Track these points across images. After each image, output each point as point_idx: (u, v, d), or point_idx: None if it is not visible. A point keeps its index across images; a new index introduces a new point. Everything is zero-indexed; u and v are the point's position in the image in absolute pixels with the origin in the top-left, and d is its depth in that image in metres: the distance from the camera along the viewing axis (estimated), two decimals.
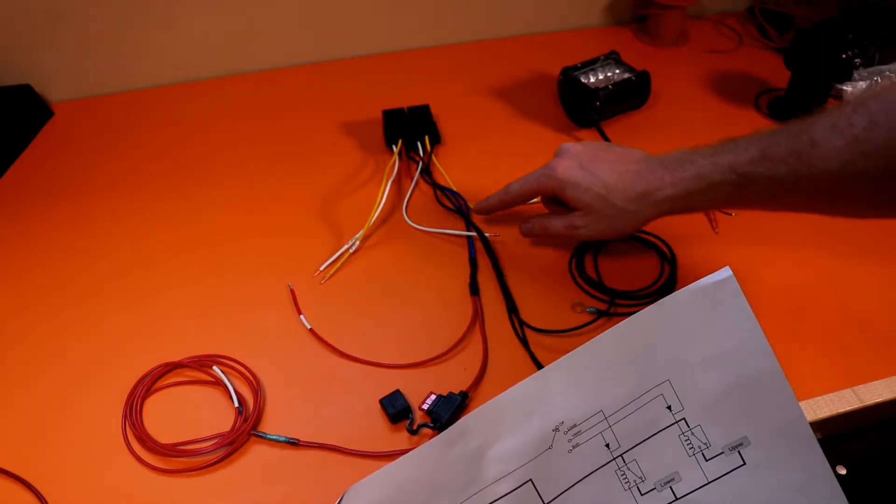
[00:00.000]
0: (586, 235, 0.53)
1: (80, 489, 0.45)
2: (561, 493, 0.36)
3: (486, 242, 0.60)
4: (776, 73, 0.83)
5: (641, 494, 0.37)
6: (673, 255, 0.59)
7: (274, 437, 0.47)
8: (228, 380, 0.50)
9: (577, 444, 0.36)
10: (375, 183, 0.68)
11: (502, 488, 0.36)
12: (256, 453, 0.47)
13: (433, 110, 0.75)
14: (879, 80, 0.77)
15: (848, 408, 0.48)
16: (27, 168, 0.73)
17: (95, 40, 0.80)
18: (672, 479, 0.37)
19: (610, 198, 0.49)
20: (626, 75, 0.76)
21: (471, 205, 0.65)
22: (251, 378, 0.50)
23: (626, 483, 0.37)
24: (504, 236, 0.62)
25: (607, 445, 0.36)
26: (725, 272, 0.36)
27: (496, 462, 0.36)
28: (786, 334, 0.53)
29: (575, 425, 0.36)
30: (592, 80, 0.76)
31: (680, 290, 0.36)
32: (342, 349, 0.52)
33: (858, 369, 0.51)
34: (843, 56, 0.69)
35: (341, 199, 0.67)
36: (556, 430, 0.36)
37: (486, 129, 0.76)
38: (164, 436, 0.47)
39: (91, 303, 0.57)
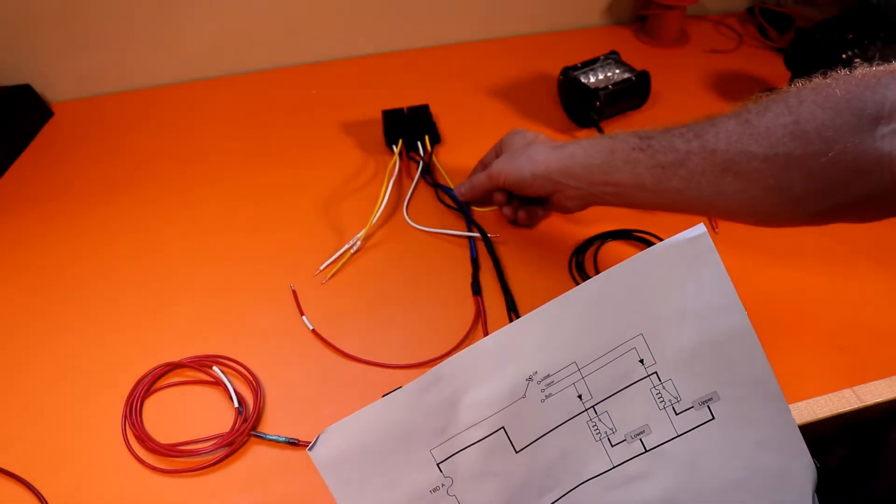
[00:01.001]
0: (497, 171, 0.57)
1: (80, 489, 0.45)
2: (533, 442, 0.37)
3: (487, 242, 0.60)
4: (776, 73, 0.83)
5: (612, 445, 0.37)
6: None
7: (274, 438, 0.47)
8: (228, 380, 0.50)
9: (550, 395, 0.37)
10: (376, 183, 0.68)
11: (475, 435, 0.36)
12: (256, 453, 0.47)
13: (433, 110, 0.75)
14: None
15: (848, 408, 0.48)
16: (27, 168, 0.73)
17: (95, 40, 0.80)
18: (642, 432, 0.38)
19: (530, 148, 0.55)
20: (626, 75, 0.76)
21: (471, 204, 0.65)
22: (251, 378, 0.50)
23: (597, 434, 0.37)
24: (505, 236, 0.62)
25: (580, 396, 0.37)
26: (699, 229, 0.36)
27: (469, 409, 0.36)
28: (786, 334, 0.53)
29: (548, 375, 0.37)
30: (592, 80, 0.76)
31: (654, 246, 0.37)
32: (342, 349, 0.52)
33: (858, 369, 0.51)
34: (843, 56, 0.69)
35: (342, 199, 0.67)
36: (530, 379, 0.37)
37: (486, 129, 0.76)
38: (164, 436, 0.47)
39: (91, 303, 0.57)
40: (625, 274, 0.37)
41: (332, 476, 0.35)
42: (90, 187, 0.69)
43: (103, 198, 0.68)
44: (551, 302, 0.37)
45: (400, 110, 0.74)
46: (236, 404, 0.48)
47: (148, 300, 0.57)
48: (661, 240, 0.60)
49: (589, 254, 0.60)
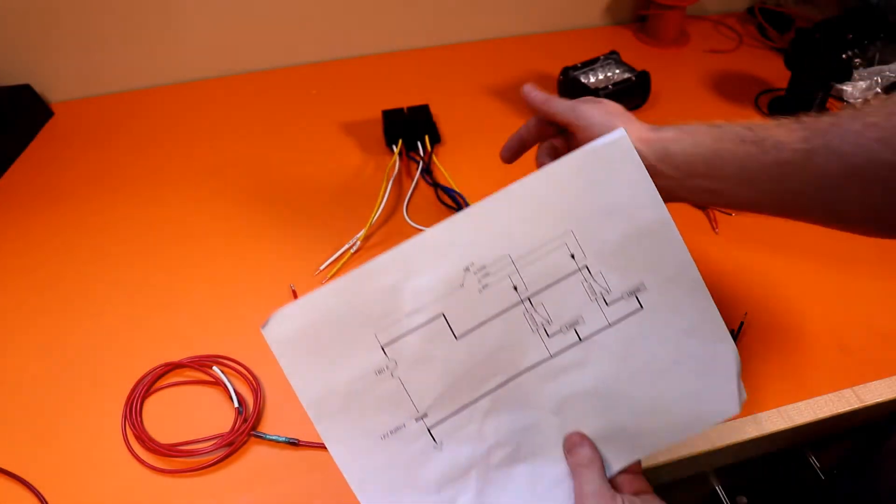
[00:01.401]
0: (572, 112, 0.46)
1: (80, 489, 0.45)
2: (472, 330, 0.38)
3: None
4: (776, 73, 0.83)
5: (548, 336, 0.39)
6: None
7: (274, 438, 0.47)
8: (228, 380, 0.50)
9: (487, 285, 0.39)
10: (376, 183, 0.68)
11: (417, 320, 0.38)
12: (256, 453, 0.47)
13: (433, 110, 0.75)
14: (879, 80, 0.77)
15: (848, 408, 0.48)
16: (27, 168, 0.73)
17: (95, 40, 0.80)
18: (576, 322, 0.40)
19: (613, 118, 0.44)
20: (626, 75, 0.76)
21: (472, 203, 0.65)
22: (251, 378, 0.50)
23: (533, 325, 0.39)
24: None
25: (515, 288, 0.39)
26: (619, 132, 0.40)
27: (411, 296, 0.38)
28: (787, 334, 0.53)
29: (484, 266, 0.39)
30: (592, 80, 0.76)
31: (579, 149, 0.39)
32: None
33: (858, 369, 0.51)
34: (843, 56, 0.69)
35: (342, 198, 0.67)
36: (467, 270, 0.39)
37: (486, 129, 0.76)
38: (164, 436, 0.47)
39: (91, 302, 0.57)
40: (554, 175, 0.39)
41: (284, 354, 0.37)
42: (90, 187, 0.69)
43: (103, 197, 0.68)
44: (487, 198, 0.39)
45: (400, 110, 0.74)
46: (236, 404, 0.48)
47: (148, 300, 0.57)
48: None
49: None
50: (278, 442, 0.47)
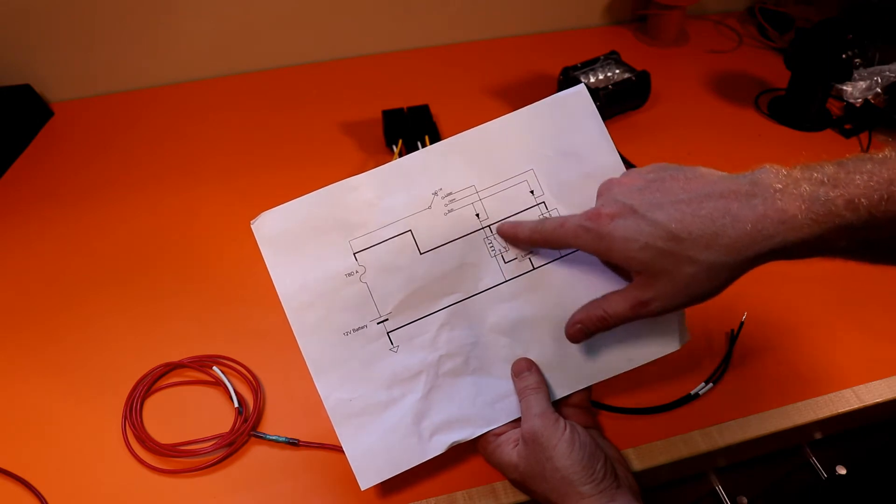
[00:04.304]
0: (661, 310, 0.36)
1: (80, 489, 0.45)
2: (435, 248, 0.42)
3: None
4: (776, 73, 0.83)
5: (505, 262, 0.43)
6: None
7: (274, 438, 0.47)
8: (228, 380, 0.50)
9: (452, 210, 0.43)
10: None
11: (387, 233, 0.42)
12: (256, 453, 0.47)
13: (433, 110, 0.75)
14: (879, 80, 0.77)
15: (848, 408, 0.48)
16: (27, 168, 0.73)
17: (95, 40, 0.80)
18: (531, 252, 0.43)
19: (684, 250, 0.34)
20: (626, 75, 0.76)
21: None
22: (251, 378, 0.50)
23: (492, 251, 0.43)
24: None
25: (477, 215, 0.43)
26: (580, 87, 0.44)
27: (384, 211, 0.42)
28: (787, 334, 0.53)
29: (450, 193, 0.43)
30: (592, 80, 0.76)
31: (544, 99, 0.43)
32: None
33: (858, 369, 0.51)
34: (843, 56, 0.69)
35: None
36: (435, 194, 0.43)
37: None
38: (164, 436, 0.47)
39: (91, 302, 0.57)
40: (520, 118, 0.44)
41: (268, 249, 0.42)
42: (90, 187, 0.69)
43: (103, 197, 0.68)
44: (460, 134, 0.43)
45: (400, 110, 0.74)
46: (236, 404, 0.48)
47: (148, 300, 0.57)
48: None
49: None
50: (278, 442, 0.47)
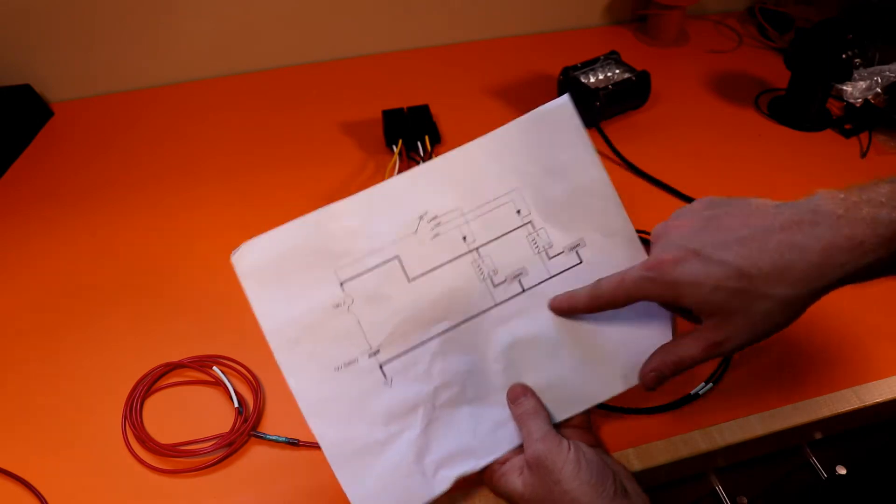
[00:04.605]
0: (735, 348, 0.36)
1: (80, 489, 0.45)
2: (423, 274, 0.41)
3: None
4: (776, 73, 0.83)
5: (494, 286, 0.42)
6: None
7: (274, 438, 0.47)
8: (228, 380, 0.50)
9: (438, 234, 0.42)
10: (376, 183, 0.68)
11: (374, 261, 0.41)
12: (256, 453, 0.47)
13: (433, 110, 0.75)
14: (879, 80, 0.77)
15: (848, 408, 0.49)
16: (27, 168, 0.73)
17: (95, 40, 0.80)
18: (521, 273, 0.42)
19: (756, 288, 0.34)
20: (626, 75, 0.76)
21: None
22: (251, 378, 0.50)
23: (481, 274, 0.42)
24: None
25: (464, 238, 0.42)
26: (564, 99, 0.43)
27: (370, 238, 0.41)
28: (787, 334, 0.53)
29: (436, 216, 0.42)
30: (592, 80, 0.76)
31: (526, 114, 0.43)
32: None
33: (858, 369, 0.51)
34: (843, 56, 0.69)
35: (342, 198, 0.67)
36: (421, 218, 0.42)
37: (486, 129, 0.75)
38: (164, 436, 0.47)
39: (91, 302, 0.57)
40: (503, 136, 0.43)
41: (250, 282, 0.40)
42: (90, 187, 0.69)
43: (103, 197, 0.68)
44: (444, 154, 0.42)
45: (400, 110, 0.74)
46: (236, 404, 0.48)
47: (148, 300, 0.57)
48: None
49: None
50: (278, 442, 0.47)
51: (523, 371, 0.42)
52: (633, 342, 0.42)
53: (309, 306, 0.40)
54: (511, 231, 0.42)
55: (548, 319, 0.42)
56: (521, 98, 0.81)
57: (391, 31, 0.90)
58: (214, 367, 0.51)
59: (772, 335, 0.36)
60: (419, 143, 0.71)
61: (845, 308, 0.55)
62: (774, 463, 0.58)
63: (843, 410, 0.48)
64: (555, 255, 0.43)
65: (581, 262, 0.43)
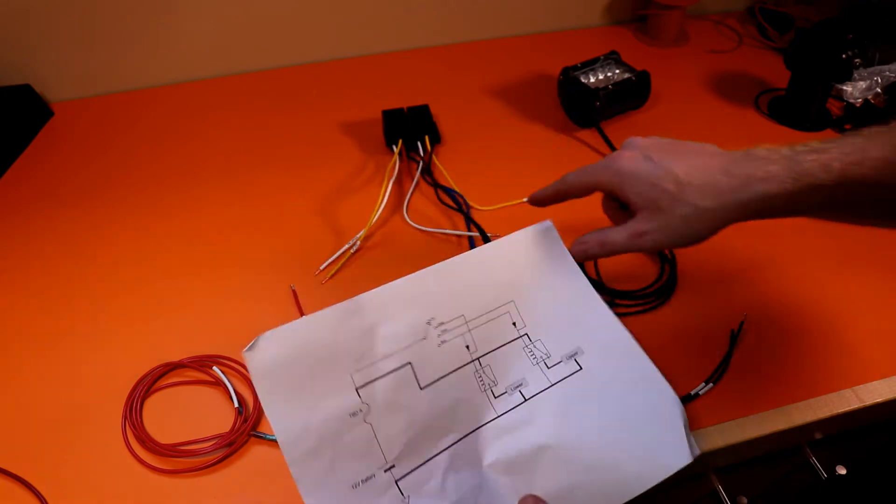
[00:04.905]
0: (653, 243, 0.42)
1: (80, 489, 0.45)
2: (434, 382, 0.40)
3: (487, 242, 0.60)
4: (776, 73, 0.83)
5: (495, 397, 0.41)
6: (673, 255, 0.59)
7: (274, 438, 0.47)
8: (228, 380, 0.50)
9: (445, 341, 0.41)
10: (376, 183, 0.68)
11: (389, 365, 0.39)
12: (256, 453, 0.47)
13: (433, 110, 0.75)
14: (879, 80, 0.77)
15: (848, 408, 0.49)
16: (27, 168, 0.73)
17: (96, 40, 0.80)
18: (521, 384, 0.42)
19: (683, 194, 0.40)
20: (626, 75, 0.76)
21: (472, 203, 0.65)
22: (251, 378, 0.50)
23: (482, 385, 0.41)
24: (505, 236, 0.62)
25: (467, 347, 0.41)
26: (547, 223, 0.45)
27: (384, 340, 0.40)
28: (787, 334, 0.53)
29: (442, 322, 0.41)
30: (592, 80, 0.76)
31: (515, 232, 0.44)
32: None
33: (858, 369, 0.51)
34: (843, 56, 0.69)
35: (342, 198, 0.67)
36: (429, 323, 0.41)
37: (486, 129, 0.76)
38: (164, 436, 0.47)
39: (91, 302, 0.57)
40: (499, 249, 0.44)
41: (265, 384, 0.37)
42: (90, 187, 0.69)
43: (103, 197, 0.68)
44: (446, 261, 0.42)
45: (400, 110, 0.74)
46: (236, 404, 0.48)
47: (148, 300, 0.57)
48: None
49: None
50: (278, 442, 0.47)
51: (532, 482, 0.40)
52: (642, 445, 0.41)
53: (326, 415, 0.37)
54: (508, 342, 0.42)
55: (553, 427, 0.40)
56: (521, 98, 0.81)
57: (391, 31, 0.90)
58: (214, 367, 0.51)
59: (687, 244, 0.41)
60: (419, 143, 0.71)
61: (845, 308, 0.55)
62: (774, 463, 0.58)
63: (843, 410, 0.48)
64: (553, 365, 0.42)
65: (581, 369, 0.42)
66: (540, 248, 0.45)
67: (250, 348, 0.37)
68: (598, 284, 0.57)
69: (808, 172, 0.38)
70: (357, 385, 0.38)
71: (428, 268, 0.42)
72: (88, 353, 0.53)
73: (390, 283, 0.41)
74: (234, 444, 0.46)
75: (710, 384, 0.49)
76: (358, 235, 0.61)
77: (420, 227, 0.63)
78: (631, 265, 0.59)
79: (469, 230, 0.62)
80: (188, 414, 0.49)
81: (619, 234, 0.43)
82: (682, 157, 0.42)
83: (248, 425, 0.47)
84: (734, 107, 0.80)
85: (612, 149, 0.71)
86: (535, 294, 0.43)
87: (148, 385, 0.50)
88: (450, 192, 0.66)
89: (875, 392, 0.49)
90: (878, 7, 0.86)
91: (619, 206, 0.46)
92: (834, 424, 0.50)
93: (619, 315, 0.54)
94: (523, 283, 0.44)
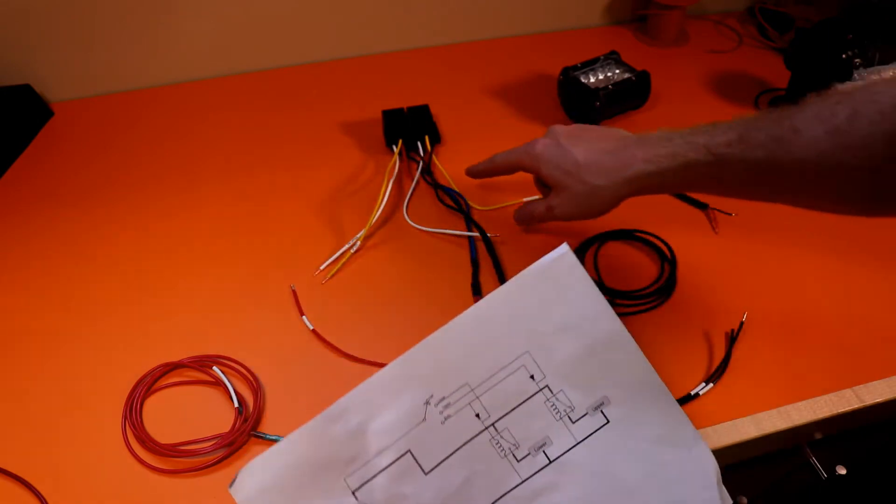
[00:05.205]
0: (561, 215, 0.53)
1: (80, 489, 0.45)
2: (440, 463, 0.38)
3: (487, 242, 0.60)
4: (776, 73, 0.83)
5: (518, 461, 0.39)
6: (673, 255, 0.59)
7: (274, 438, 0.47)
8: (228, 380, 0.50)
9: (449, 416, 0.38)
10: (376, 183, 0.68)
11: (385, 460, 0.38)
12: (256, 453, 0.46)
13: (433, 110, 0.75)
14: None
15: (848, 408, 0.49)
16: (27, 168, 0.73)
17: (96, 40, 0.80)
18: (544, 444, 0.39)
19: (580, 174, 0.49)
20: (626, 75, 0.76)
21: (472, 203, 0.65)
22: (251, 378, 0.50)
23: (501, 451, 0.39)
24: (505, 236, 0.62)
25: (478, 415, 0.39)
26: (563, 248, 0.40)
27: (377, 436, 0.38)
28: (786, 334, 0.53)
29: (444, 398, 0.39)
30: (592, 80, 0.76)
31: (526, 269, 0.40)
32: (342, 349, 0.52)
33: (858, 369, 0.51)
34: (843, 56, 0.69)
35: (342, 199, 0.67)
36: (427, 403, 0.38)
37: (486, 129, 0.76)
38: (164, 436, 0.47)
39: (91, 303, 0.57)
40: (504, 298, 0.39)
41: None
42: (90, 187, 0.69)
43: (103, 197, 0.68)
44: (436, 332, 0.39)
45: (400, 110, 0.74)
46: (236, 404, 0.48)
47: (148, 300, 0.57)
48: (661, 240, 0.60)
49: (589, 254, 0.60)
50: (278, 442, 0.47)
51: None
52: (675, 503, 0.39)
53: None
54: (527, 399, 0.39)
55: (581, 489, 0.39)
56: (521, 98, 0.81)
57: (391, 31, 0.90)
58: (214, 367, 0.51)
59: (589, 216, 0.51)
60: (419, 143, 0.71)
61: (845, 308, 0.55)
62: (774, 463, 0.58)
63: (842, 410, 0.48)
64: (578, 419, 0.40)
65: (609, 422, 0.40)
66: (556, 282, 0.40)
67: (232, 484, 0.36)
68: (598, 284, 0.57)
69: (681, 153, 0.44)
70: (352, 488, 0.37)
71: (417, 345, 0.39)
72: (88, 353, 0.53)
73: (375, 374, 0.39)
74: (234, 444, 0.46)
75: (710, 384, 0.49)
76: (358, 235, 0.61)
77: (420, 227, 0.63)
78: (631, 265, 0.59)
79: (469, 230, 0.62)
80: (188, 414, 0.49)
81: (539, 207, 0.55)
82: (583, 143, 0.50)
83: (248, 425, 0.47)
84: (734, 107, 0.80)
85: None
86: (553, 337, 0.40)
87: (148, 385, 0.50)
88: (450, 192, 0.66)
89: (875, 392, 0.49)
90: (878, 7, 0.85)
91: (544, 184, 0.55)
92: (834, 424, 0.49)
93: (619, 315, 0.54)
94: (539, 327, 0.40)
